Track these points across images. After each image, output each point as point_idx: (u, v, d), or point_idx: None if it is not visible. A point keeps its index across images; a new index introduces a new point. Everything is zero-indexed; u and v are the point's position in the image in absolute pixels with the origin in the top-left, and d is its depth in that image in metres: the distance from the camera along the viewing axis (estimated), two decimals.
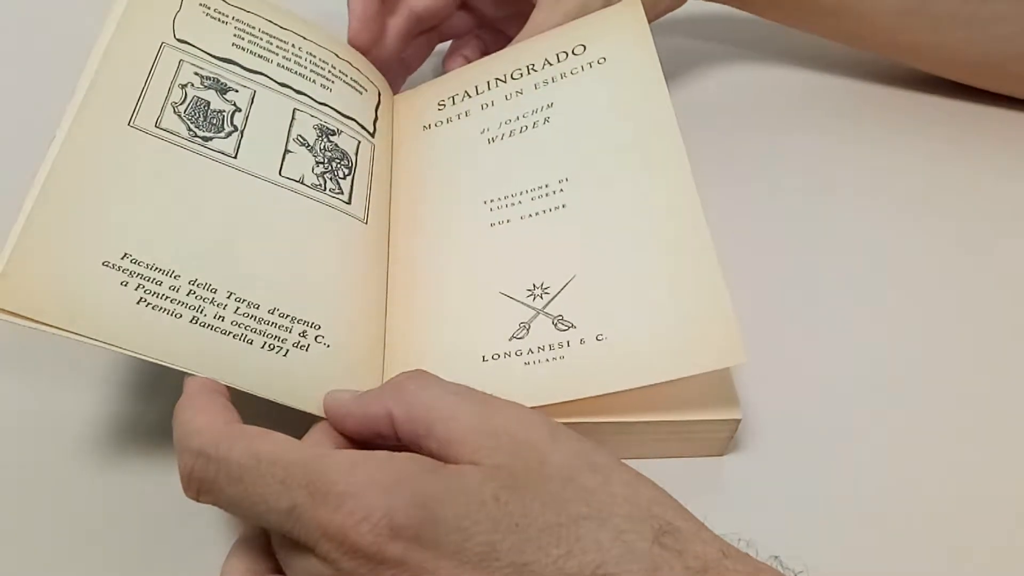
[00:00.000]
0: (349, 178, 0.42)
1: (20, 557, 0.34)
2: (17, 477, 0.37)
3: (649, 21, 0.46)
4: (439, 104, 0.47)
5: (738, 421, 0.36)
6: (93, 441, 0.38)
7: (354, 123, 0.44)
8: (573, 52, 0.46)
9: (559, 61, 0.46)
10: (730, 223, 0.46)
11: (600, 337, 0.36)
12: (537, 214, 0.41)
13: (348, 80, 0.46)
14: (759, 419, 0.38)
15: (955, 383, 0.41)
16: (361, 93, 0.46)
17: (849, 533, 0.36)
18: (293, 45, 0.45)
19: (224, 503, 0.29)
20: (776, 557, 0.29)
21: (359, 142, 0.44)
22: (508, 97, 0.46)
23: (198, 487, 0.29)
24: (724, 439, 0.37)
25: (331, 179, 0.41)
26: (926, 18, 0.51)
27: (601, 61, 0.45)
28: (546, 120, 0.44)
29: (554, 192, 0.41)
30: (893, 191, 0.49)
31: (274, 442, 0.29)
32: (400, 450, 0.29)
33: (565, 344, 0.36)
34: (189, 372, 0.32)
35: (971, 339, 0.43)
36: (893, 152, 0.52)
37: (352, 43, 0.48)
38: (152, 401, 0.39)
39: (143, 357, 0.31)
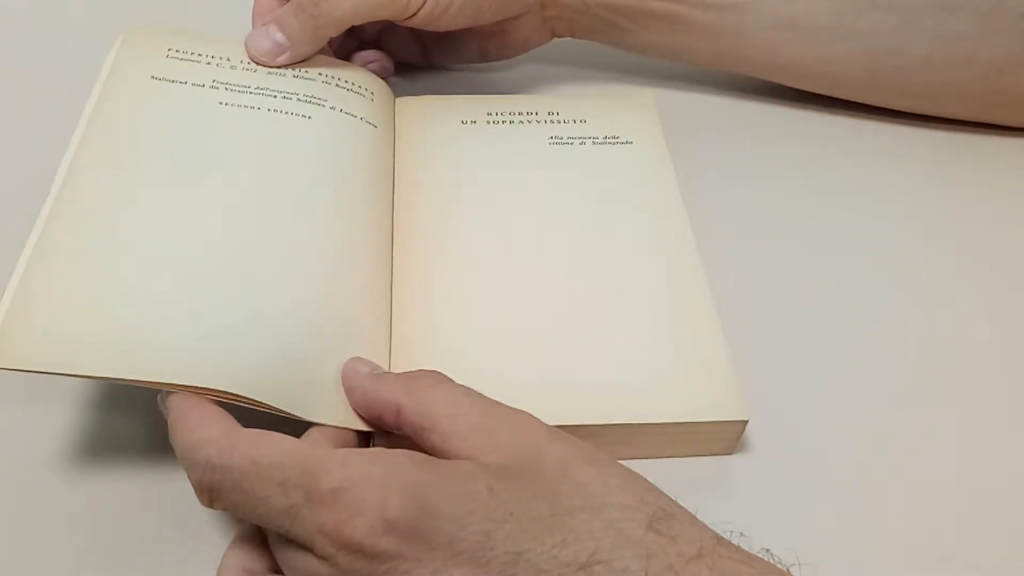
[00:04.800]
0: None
1: None
2: None
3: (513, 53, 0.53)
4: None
5: (745, 422, 0.37)
6: (67, 453, 0.37)
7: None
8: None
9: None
10: (734, 226, 0.47)
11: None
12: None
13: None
14: (769, 417, 0.38)
15: (958, 385, 0.41)
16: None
17: (856, 532, 0.36)
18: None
19: (232, 508, 0.30)
20: (767, 550, 0.29)
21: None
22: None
23: (210, 496, 0.30)
24: (732, 439, 0.38)
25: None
26: (804, 31, 0.49)
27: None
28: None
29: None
30: (896, 196, 0.49)
31: (272, 444, 0.29)
32: (395, 444, 0.30)
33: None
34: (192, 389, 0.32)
35: (974, 341, 0.43)
36: (893, 153, 0.52)
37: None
38: (126, 413, 0.38)
39: (155, 379, 0.32)
